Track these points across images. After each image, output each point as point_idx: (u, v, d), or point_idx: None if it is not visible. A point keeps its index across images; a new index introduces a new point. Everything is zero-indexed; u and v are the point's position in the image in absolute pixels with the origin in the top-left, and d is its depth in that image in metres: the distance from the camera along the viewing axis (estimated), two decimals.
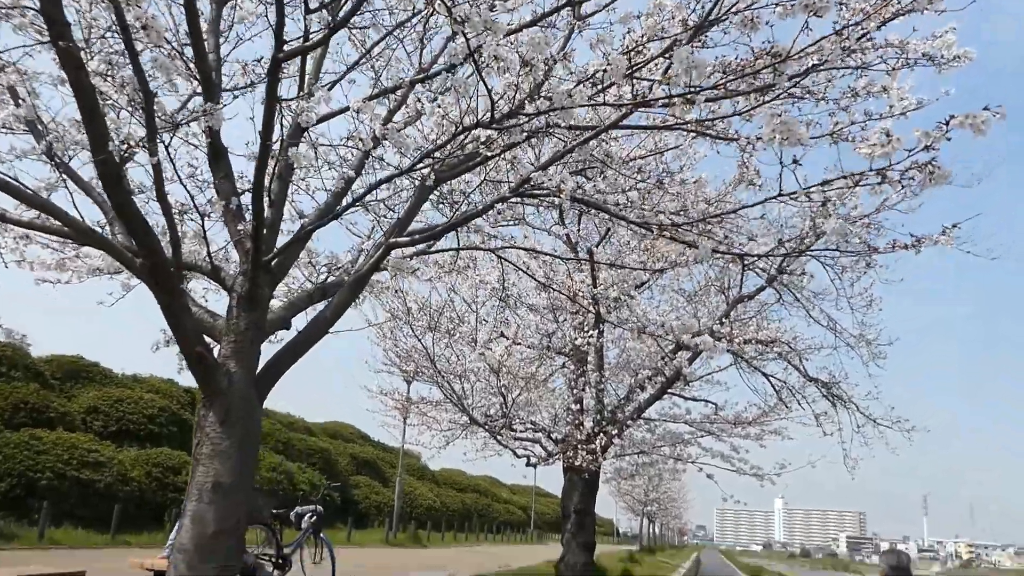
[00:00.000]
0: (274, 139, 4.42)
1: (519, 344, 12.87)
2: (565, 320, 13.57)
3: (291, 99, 4.44)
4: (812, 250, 6.20)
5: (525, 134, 3.97)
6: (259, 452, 22.42)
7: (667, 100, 3.16)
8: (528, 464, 13.27)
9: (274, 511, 9.86)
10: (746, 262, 13.35)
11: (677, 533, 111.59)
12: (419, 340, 11.85)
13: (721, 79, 3.48)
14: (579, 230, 14.47)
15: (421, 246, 5.96)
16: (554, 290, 8.92)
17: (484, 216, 7.00)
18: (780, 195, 3.85)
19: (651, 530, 69.15)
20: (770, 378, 15.25)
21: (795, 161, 4.03)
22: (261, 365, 4.68)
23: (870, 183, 3.15)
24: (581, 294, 13.92)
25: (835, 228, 4.11)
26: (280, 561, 9.68)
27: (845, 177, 3.27)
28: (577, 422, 13.26)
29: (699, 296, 14.21)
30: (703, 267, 14.63)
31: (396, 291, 5.78)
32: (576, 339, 12.54)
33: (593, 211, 14.11)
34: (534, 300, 13.52)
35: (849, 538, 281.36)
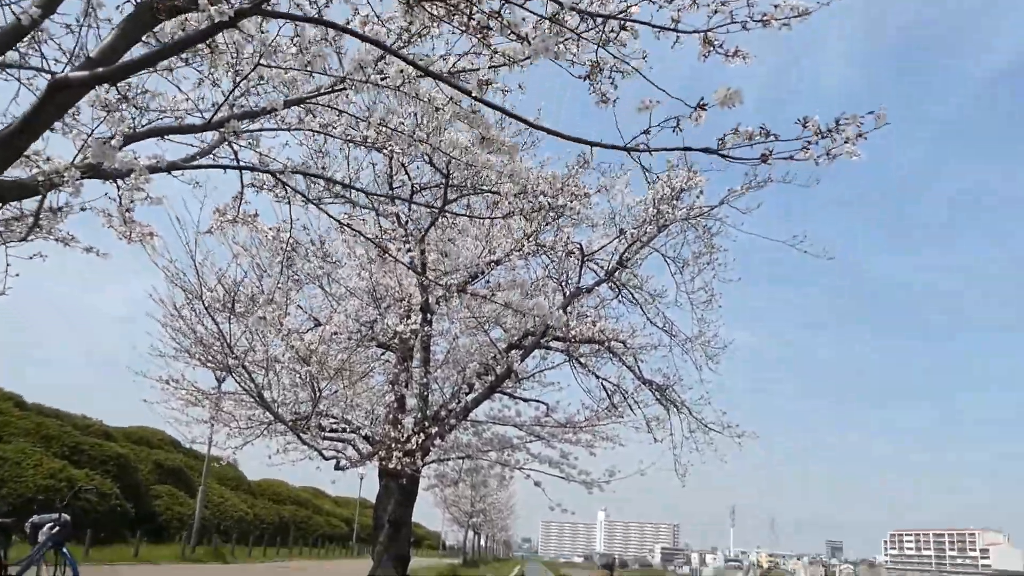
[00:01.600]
0: None
1: (336, 333, 11.37)
2: (389, 307, 12.21)
3: None
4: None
5: None
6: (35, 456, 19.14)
7: None
8: (337, 467, 11.72)
9: None
10: (586, 253, 12.56)
11: (503, 545, 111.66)
12: (213, 320, 10.07)
13: None
14: (410, 211, 13.23)
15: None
16: (356, 233, 7.45)
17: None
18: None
19: (477, 542, 68.33)
20: (603, 381, 14.54)
21: None
22: None
23: None
24: (406, 280, 12.63)
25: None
26: None
27: None
28: (395, 420, 11.89)
29: (536, 288, 13.23)
30: (541, 259, 13.78)
31: (128, 212, 4.10)
32: (398, 327, 11.21)
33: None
34: (354, 283, 12.06)
35: (664, 549, 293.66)
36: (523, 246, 12.62)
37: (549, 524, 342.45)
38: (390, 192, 13.02)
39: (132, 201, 4.06)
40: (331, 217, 5.19)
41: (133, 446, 35.78)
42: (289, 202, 5.06)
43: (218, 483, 40.88)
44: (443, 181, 10.94)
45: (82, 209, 4.94)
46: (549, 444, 14.24)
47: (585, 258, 12.35)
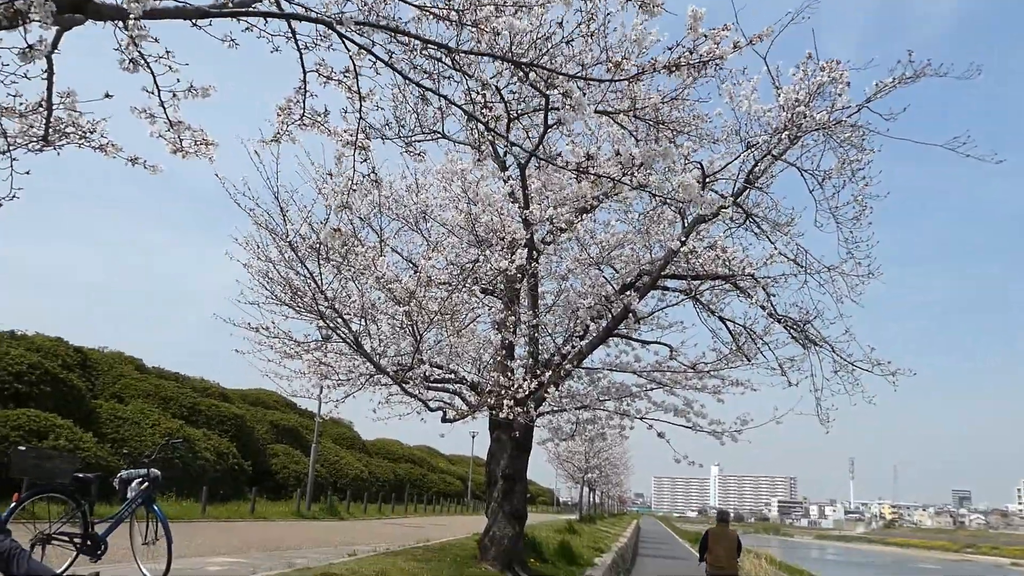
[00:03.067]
0: None
1: (432, 278, 10.38)
2: (491, 246, 11.11)
3: None
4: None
5: None
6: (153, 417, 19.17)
7: None
8: (444, 419, 10.83)
9: (77, 476, 7.24)
10: (707, 173, 11.12)
11: (618, 501, 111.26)
12: (302, 262, 9.23)
13: None
14: (507, 142, 12.10)
15: None
16: (449, 102, 6.28)
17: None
18: None
19: (592, 498, 67.83)
20: (727, 323, 13.07)
21: None
22: None
23: None
24: (508, 216, 11.51)
25: None
26: (87, 543, 7.08)
27: None
28: (503, 367, 10.90)
29: (651, 217, 11.86)
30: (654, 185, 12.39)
31: None
32: (501, 262, 10.13)
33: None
34: (450, 217, 11.04)
35: (780, 502, 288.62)
36: (634, 174, 11.30)
37: (661, 479, 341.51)
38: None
39: (139, 46, 3.02)
40: (406, 78, 3.98)
41: (249, 407, 36.49)
42: (355, 71, 3.93)
43: (333, 443, 41.48)
44: (542, 105, 9.81)
45: (107, 95, 3.97)
46: (672, 392, 12.99)
47: (707, 179, 10.89)
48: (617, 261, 12.81)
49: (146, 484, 7.84)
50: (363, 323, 10.26)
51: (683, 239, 10.55)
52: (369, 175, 4.52)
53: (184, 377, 34.85)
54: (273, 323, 10.09)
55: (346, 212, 4.64)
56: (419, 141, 12.87)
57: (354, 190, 4.63)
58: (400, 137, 12.74)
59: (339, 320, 9.64)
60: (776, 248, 12.21)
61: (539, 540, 15.66)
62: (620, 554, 23.70)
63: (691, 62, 3.98)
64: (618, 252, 12.66)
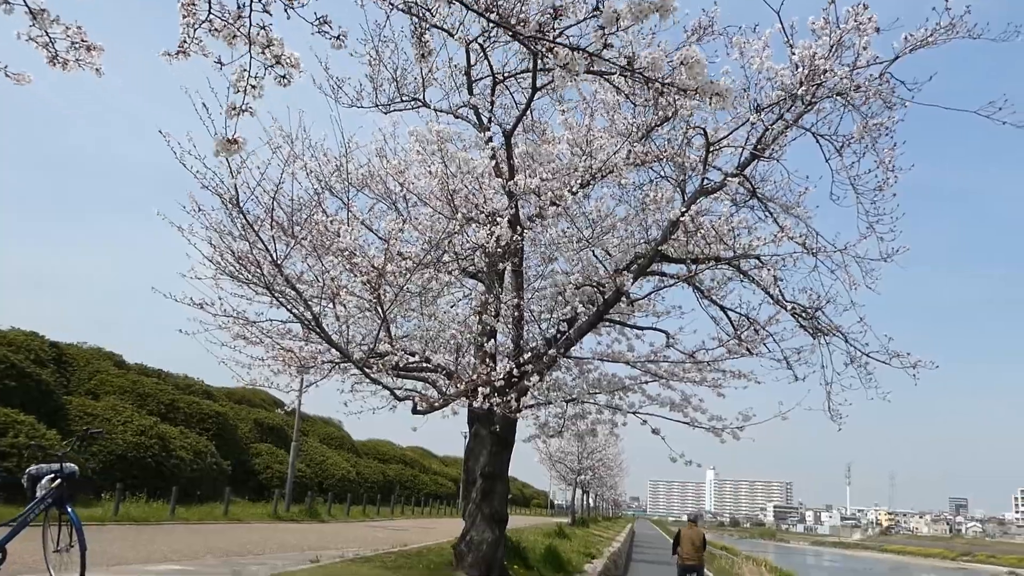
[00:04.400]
0: None
1: (401, 253, 9.32)
2: (471, 219, 10.02)
3: None
4: None
5: None
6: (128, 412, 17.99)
7: None
8: (415, 411, 9.72)
9: None
10: (711, 140, 10.04)
11: (612, 504, 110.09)
12: (253, 229, 8.16)
13: None
14: (492, 105, 11.10)
15: None
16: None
17: None
18: None
19: (585, 501, 66.67)
20: (728, 312, 12.00)
21: None
22: None
23: None
24: (489, 188, 10.46)
25: None
26: None
27: None
28: (482, 352, 9.82)
29: (648, 192, 10.81)
30: (655, 166, 11.33)
31: None
32: (479, 233, 9.06)
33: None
34: (423, 183, 9.97)
35: (776, 507, 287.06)
36: (630, 150, 10.26)
37: (657, 483, 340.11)
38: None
39: None
40: None
41: (234, 405, 35.38)
42: None
43: (320, 442, 40.37)
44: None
45: None
46: (668, 385, 11.93)
47: (711, 147, 9.82)
48: (610, 242, 11.77)
49: (59, 481, 6.70)
50: (325, 302, 9.19)
51: (683, 210, 9.47)
52: (272, 67, 3.46)
53: (166, 374, 33.77)
54: (220, 299, 8.99)
55: (246, 117, 3.52)
56: (399, 110, 11.87)
57: (253, 87, 3.56)
58: (377, 106, 11.72)
59: (293, 294, 8.55)
60: (782, 230, 11.13)
61: (525, 545, 14.58)
62: (613, 560, 22.61)
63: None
64: (611, 233, 11.63)
